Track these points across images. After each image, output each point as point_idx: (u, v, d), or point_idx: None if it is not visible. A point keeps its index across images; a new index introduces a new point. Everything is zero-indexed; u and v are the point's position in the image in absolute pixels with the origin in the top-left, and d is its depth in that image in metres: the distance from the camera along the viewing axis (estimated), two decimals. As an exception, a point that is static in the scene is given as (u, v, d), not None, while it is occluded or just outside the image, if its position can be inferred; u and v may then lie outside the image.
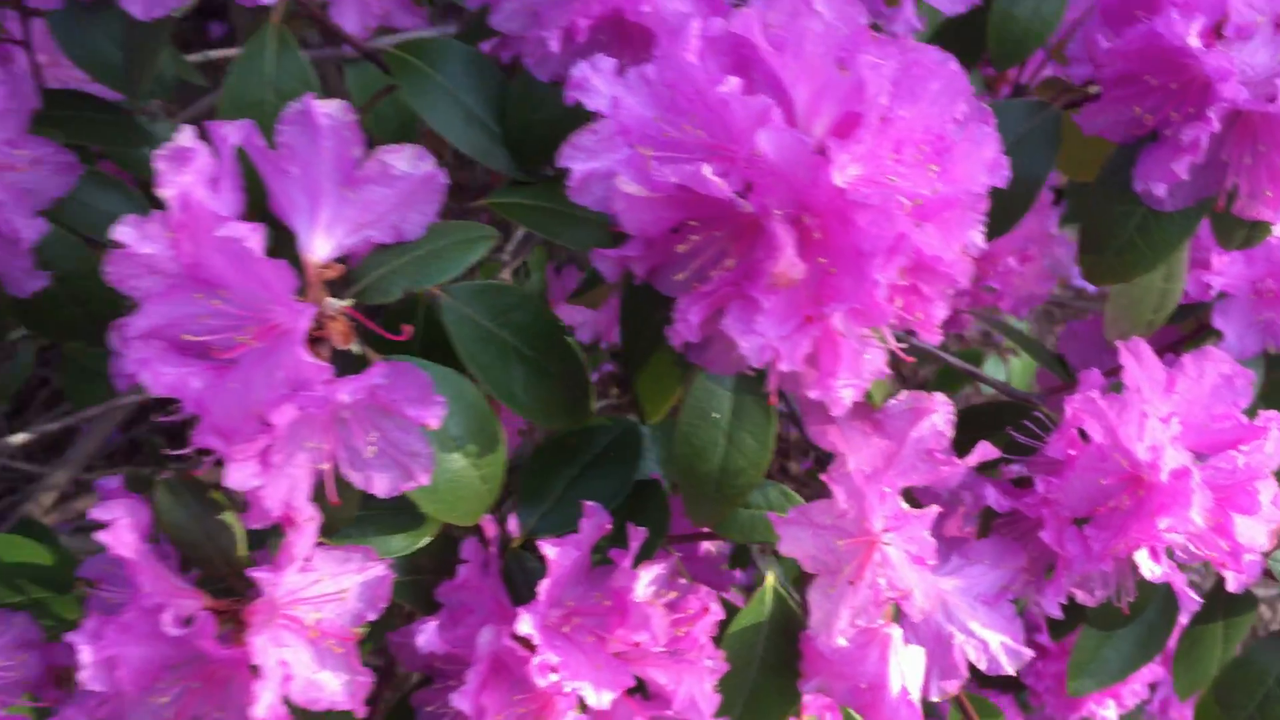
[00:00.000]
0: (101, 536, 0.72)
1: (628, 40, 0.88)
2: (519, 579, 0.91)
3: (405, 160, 0.74)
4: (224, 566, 0.79)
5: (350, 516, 0.80)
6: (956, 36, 1.11)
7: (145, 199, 1.07)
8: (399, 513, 0.85)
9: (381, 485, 0.76)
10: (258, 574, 0.71)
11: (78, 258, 1.00)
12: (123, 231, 0.68)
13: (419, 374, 0.72)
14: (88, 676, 0.71)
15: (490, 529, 0.89)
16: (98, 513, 0.73)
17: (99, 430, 1.74)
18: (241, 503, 0.75)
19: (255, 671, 0.73)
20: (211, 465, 0.73)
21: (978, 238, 0.72)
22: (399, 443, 0.75)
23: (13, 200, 0.93)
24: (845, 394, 0.72)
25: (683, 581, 0.92)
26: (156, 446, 2.12)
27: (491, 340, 0.86)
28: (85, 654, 0.71)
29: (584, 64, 0.72)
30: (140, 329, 0.70)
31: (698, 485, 0.85)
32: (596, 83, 0.72)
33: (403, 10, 1.22)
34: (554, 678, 0.80)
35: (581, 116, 0.92)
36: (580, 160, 0.72)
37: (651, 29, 0.84)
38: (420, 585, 0.89)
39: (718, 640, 0.89)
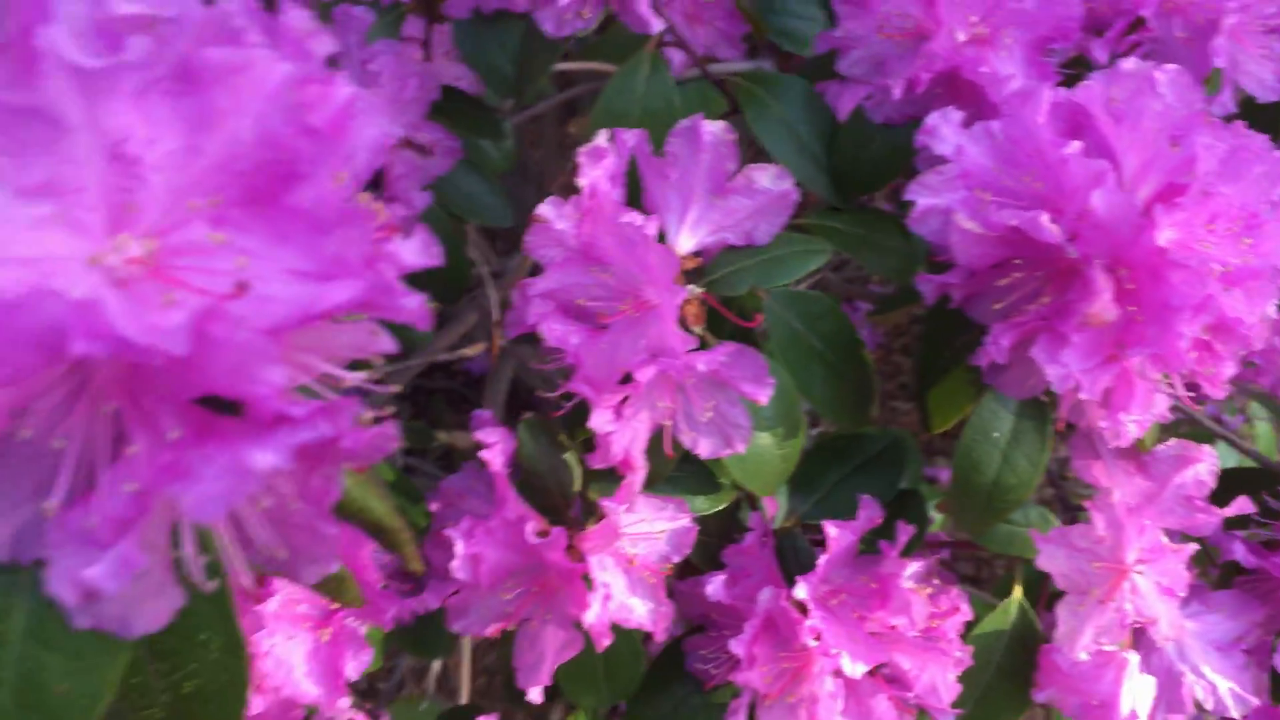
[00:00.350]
0: (484, 455, 0.88)
1: (957, 94, 0.99)
2: (789, 554, 1.03)
3: (768, 178, 0.88)
4: (559, 497, 0.94)
5: (667, 473, 0.94)
6: (1260, 118, 1.17)
7: (497, 184, 1.25)
8: (703, 479, 0.99)
9: (705, 448, 0.89)
10: (607, 503, 0.86)
11: (447, 230, 1.18)
12: (545, 210, 0.83)
13: (757, 357, 0.85)
14: (457, 566, 0.87)
15: (771, 507, 1.02)
16: (481, 435, 0.88)
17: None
18: (588, 445, 0.90)
19: (588, 585, 0.87)
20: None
21: (1273, 309, 0.80)
22: (727, 414, 0.88)
23: (410, 174, 1.11)
24: (1131, 428, 0.81)
25: (936, 581, 1.02)
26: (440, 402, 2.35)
27: (800, 341, 0.98)
28: (459, 547, 0.87)
29: (937, 114, 0.84)
30: (541, 289, 0.85)
31: (969, 495, 0.95)
32: (945, 131, 0.84)
33: (726, 44, 1.37)
34: (818, 642, 0.91)
35: (901, 159, 1.04)
36: (924, 196, 0.83)
37: (981, 86, 0.96)
38: (707, 545, 1.02)
39: (962, 638, 0.99)
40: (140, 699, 0.54)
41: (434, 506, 0.99)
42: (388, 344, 0.53)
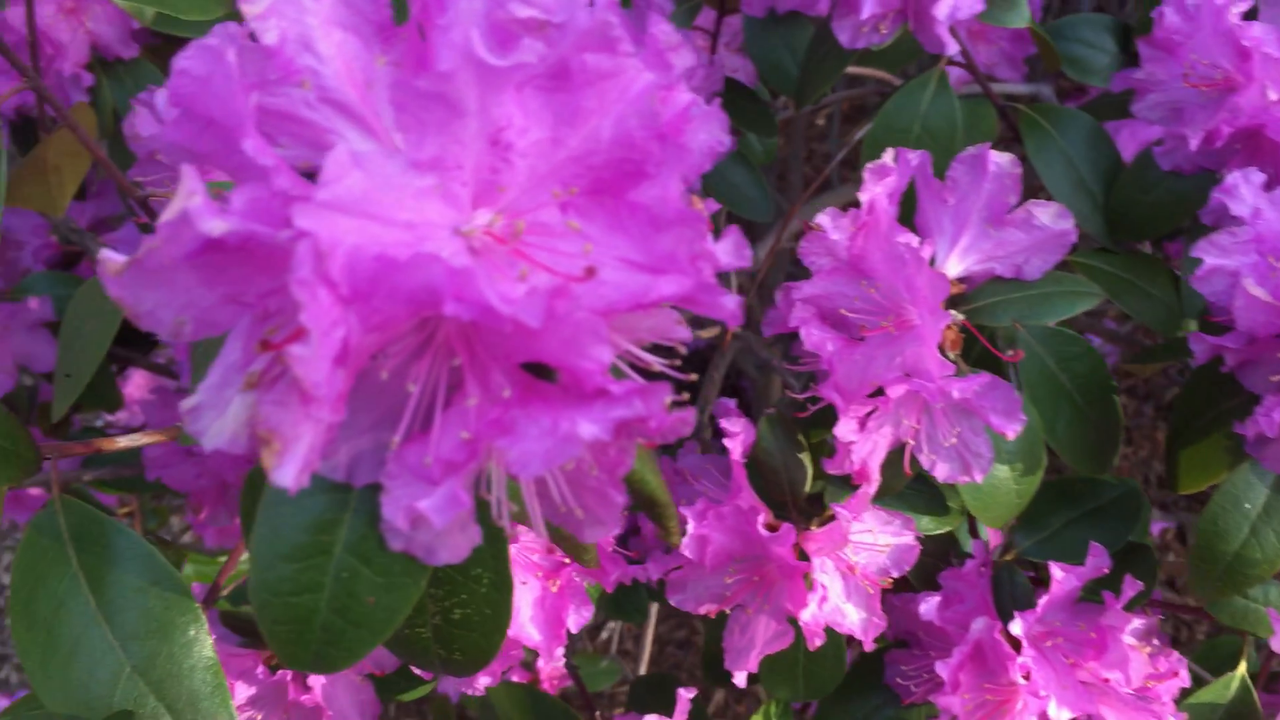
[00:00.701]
0: (726, 442, 0.92)
1: (1257, 152, 0.96)
2: (1006, 587, 1.03)
3: (1049, 215, 0.88)
4: (790, 494, 0.96)
5: (898, 488, 0.95)
6: None
7: (761, 178, 1.28)
8: (932, 499, 1.00)
9: (943, 472, 0.90)
10: (839, 509, 0.88)
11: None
12: (823, 219, 0.86)
13: (1010, 391, 0.85)
14: (685, 543, 0.91)
15: (993, 538, 1.02)
16: (726, 424, 0.92)
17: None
18: (823, 449, 0.93)
19: (808, 584, 0.90)
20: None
21: None
22: (970, 443, 0.89)
23: (674, 160, 1.15)
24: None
25: (1156, 642, 1.00)
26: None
27: (1052, 380, 0.98)
28: (690, 526, 0.91)
29: (1239, 173, 0.82)
30: (806, 294, 0.88)
31: (1209, 562, 0.93)
32: (1244, 192, 0.81)
33: (1008, 64, 1.35)
34: (1027, 680, 0.91)
35: (1183, 210, 1.01)
36: (1213, 255, 0.82)
37: (1285, 147, 0.92)
38: (924, 564, 1.03)
39: (1176, 705, 0.97)
40: (415, 617, 0.61)
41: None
42: (685, 333, 0.57)
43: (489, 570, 0.60)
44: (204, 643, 0.74)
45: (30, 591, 0.74)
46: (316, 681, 1.03)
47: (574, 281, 0.45)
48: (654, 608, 1.79)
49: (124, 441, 0.79)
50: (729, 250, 0.53)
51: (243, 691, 1.03)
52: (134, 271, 0.44)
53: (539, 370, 0.49)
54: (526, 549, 0.93)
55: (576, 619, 0.94)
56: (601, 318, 0.45)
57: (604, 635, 2.65)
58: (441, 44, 0.45)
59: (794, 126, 1.60)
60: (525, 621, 0.93)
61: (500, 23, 0.46)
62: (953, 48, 0.99)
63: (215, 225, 0.42)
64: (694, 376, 0.51)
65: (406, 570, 0.51)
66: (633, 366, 0.52)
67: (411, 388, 0.47)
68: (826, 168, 1.53)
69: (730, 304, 0.47)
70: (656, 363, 0.53)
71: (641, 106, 0.47)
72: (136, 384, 1.68)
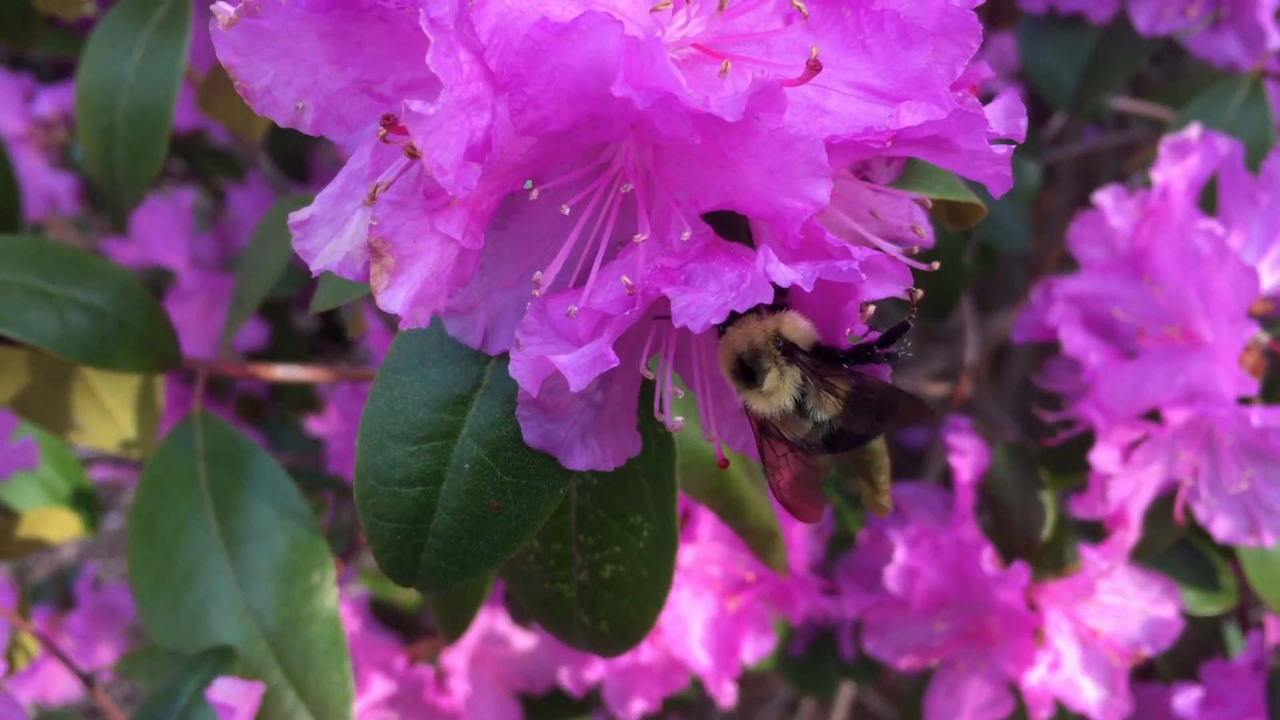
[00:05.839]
0: (954, 461, 0.77)
1: None
2: (1283, 695, 0.83)
3: (1394, 222, 0.70)
4: (1020, 539, 0.81)
5: (1163, 547, 0.78)
6: None
7: (1023, 207, 1.14)
8: (1200, 570, 0.82)
9: (1224, 528, 0.73)
10: (1089, 552, 0.72)
11: (948, 240, 1.08)
12: (1103, 197, 0.72)
13: (1327, 433, 0.68)
14: (891, 574, 0.77)
15: (1276, 632, 0.82)
16: (956, 441, 0.78)
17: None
18: (1081, 483, 0.77)
19: (1038, 641, 0.74)
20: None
21: None
22: (1263, 495, 0.72)
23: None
24: None
25: None
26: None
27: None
28: (899, 554, 0.77)
29: None
30: (1070, 291, 0.74)
31: None
32: None
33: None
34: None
35: None
36: None
37: None
38: (1179, 652, 0.85)
39: None
40: (557, 568, 0.50)
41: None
42: (926, 232, 0.45)
43: (651, 519, 0.48)
44: (329, 592, 0.65)
45: (154, 506, 0.67)
46: (459, 684, 0.93)
47: (789, 85, 0.34)
48: (845, 692, 1.60)
49: (281, 372, 0.73)
50: (1001, 113, 0.41)
51: (379, 687, 0.94)
52: (248, 29, 0.36)
53: (727, 229, 0.38)
54: (704, 559, 0.81)
55: (754, 648, 0.81)
56: (821, 146, 0.34)
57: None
58: None
59: (1060, 167, 1.44)
60: (694, 643, 0.80)
61: None
62: (1276, 38, 0.84)
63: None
64: (935, 265, 0.40)
65: (542, 472, 0.41)
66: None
67: (566, 210, 0.37)
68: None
69: (1000, 155, 0.35)
70: (891, 249, 0.41)
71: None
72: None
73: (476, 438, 0.41)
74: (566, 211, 0.36)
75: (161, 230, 1.31)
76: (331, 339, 1.65)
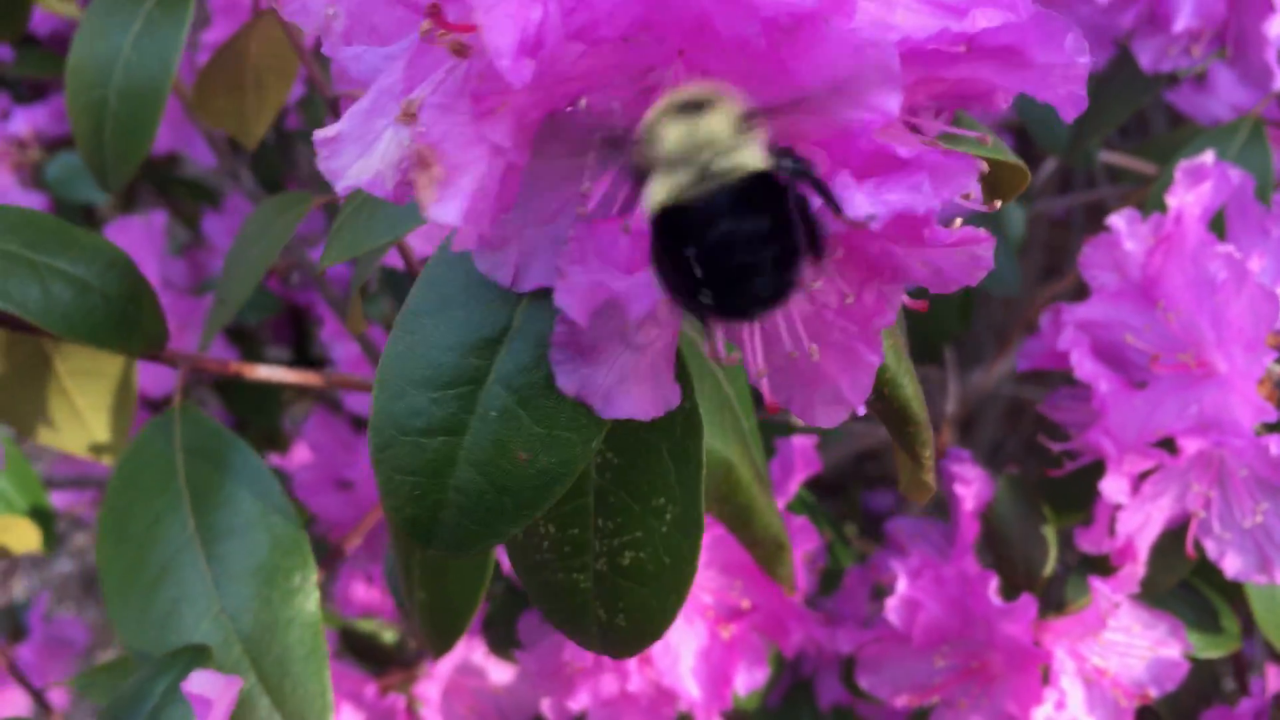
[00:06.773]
0: (957, 490, 0.75)
1: None
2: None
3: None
4: (1021, 575, 0.78)
5: (1170, 585, 0.76)
6: None
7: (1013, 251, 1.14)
8: (1203, 611, 0.80)
9: (1234, 564, 0.71)
10: (1100, 585, 0.70)
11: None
12: (1117, 220, 0.71)
13: (1345, 465, 0.66)
14: (891, 606, 0.74)
15: (1276, 679, 0.80)
16: (959, 471, 0.76)
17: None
18: (1084, 519, 0.75)
19: (1046, 678, 0.71)
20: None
21: None
22: (1274, 531, 0.70)
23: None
24: None
25: None
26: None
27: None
28: (901, 584, 0.74)
29: None
30: (1081, 318, 0.72)
31: None
32: None
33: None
34: None
35: None
36: None
37: None
38: (1178, 696, 0.82)
39: None
40: (573, 555, 0.46)
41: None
42: (976, 197, 0.43)
43: (675, 501, 0.45)
44: (309, 595, 0.61)
45: (127, 500, 0.63)
46: (432, 716, 0.88)
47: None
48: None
49: (263, 371, 0.69)
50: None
51: (350, 716, 0.89)
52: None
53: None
54: (698, 586, 0.78)
55: (747, 680, 0.78)
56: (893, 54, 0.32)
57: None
58: None
59: (1036, 222, 1.45)
60: (685, 672, 0.77)
61: None
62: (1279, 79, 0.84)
63: None
64: (997, 204, 0.38)
65: (574, 422, 0.38)
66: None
67: (609, 145, 0.35)
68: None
69: (1078, 71, 0.34)
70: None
71: None
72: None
73: (505, 383, 0.38)
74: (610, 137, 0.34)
75: (134, 249, 1.27)
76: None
